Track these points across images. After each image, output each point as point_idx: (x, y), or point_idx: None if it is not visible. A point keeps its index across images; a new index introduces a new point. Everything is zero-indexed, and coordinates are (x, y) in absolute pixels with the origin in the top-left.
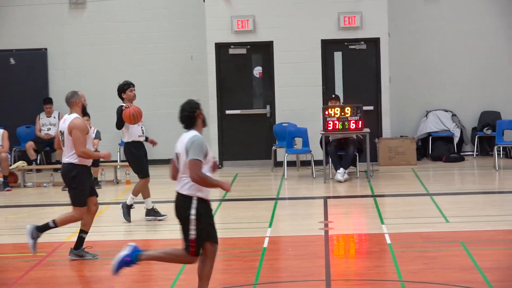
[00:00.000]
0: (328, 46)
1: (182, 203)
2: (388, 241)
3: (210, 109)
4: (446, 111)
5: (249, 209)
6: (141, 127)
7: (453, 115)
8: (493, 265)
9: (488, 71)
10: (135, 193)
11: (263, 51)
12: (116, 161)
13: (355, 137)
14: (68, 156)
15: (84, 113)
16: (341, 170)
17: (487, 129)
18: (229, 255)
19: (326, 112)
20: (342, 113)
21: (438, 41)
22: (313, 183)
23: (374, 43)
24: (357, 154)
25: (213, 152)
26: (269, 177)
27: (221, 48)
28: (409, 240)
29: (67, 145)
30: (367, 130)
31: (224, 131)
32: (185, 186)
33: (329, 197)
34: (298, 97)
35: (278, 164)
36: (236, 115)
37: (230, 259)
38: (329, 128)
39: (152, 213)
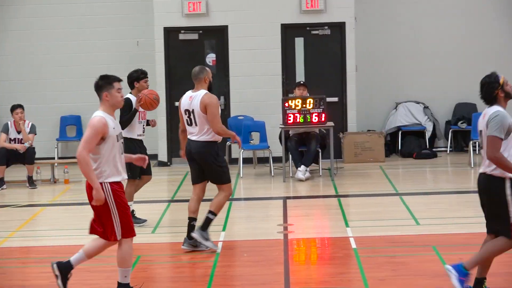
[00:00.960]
0: (289, 31)
1: (491, 184)
2: (354, 245)
3: None
4: (418, 103)
5: (201, 211)
6: (143, 125)
7: (425, 107)
8: None
9: (463, 60)
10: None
11: (217, 37)
12: (54, 158)
13: (317, 132)
14: (203, 134)
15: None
16: (302, 167)
17: (462, 123)
18: (180, 261)
19: (286, 104)
20: (304, 105)
21: (410, 26)
22: (271, 182)
23: (339, 28)
24: (319, 150)
25: (161, 149)
26: None
27: (170, 33)
28: (376, 244)
29: (200, 122)
30: (331, 123)
31: (174, 125)
32: (491, 167)
33: (289, 198)
34: (255, 87)
35: (233, 161)
36: None
37: (180, 266)
38: (289, 122)
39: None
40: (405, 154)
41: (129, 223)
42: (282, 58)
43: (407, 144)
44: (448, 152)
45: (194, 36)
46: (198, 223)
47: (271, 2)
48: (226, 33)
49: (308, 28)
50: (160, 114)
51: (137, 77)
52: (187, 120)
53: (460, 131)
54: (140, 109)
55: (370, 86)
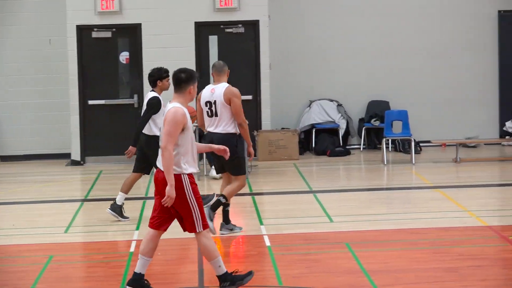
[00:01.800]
0: (203, 29)
1: None
2: (268, 243)
3: (71, 99)
4: (331, 100)
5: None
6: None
7: (339, 105)
8: (381, 268)
9: (376, 58)
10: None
11: (130, 35)
12: None
13: None
14: (224, 126)
15: None
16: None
17: (375, 120)
18: (92, 261)
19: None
20: None
21: (323, 24)
22: None
23: (252, 26)
24: None
25: (74, 147)
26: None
27: (83, 31)
28: (290, 242)
29: (221, 114)
30: None
31: (87, 124)
32: None
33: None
34: (169, 85)
35: None
36: (100, 105)
37: (93, 265)
38: None
39: (118, 210)
40: (319, 151)
41: (204, 214)
42: (196, 56)
43: (321, 141)
44: (361, 149)
45: (107, 34)
46: None
47: (184, 0)
48: (140, 31)
49: (222, 26)
50: (73, 112)
51: (160, 75)
52: (207, 111)
53: (373, 129)
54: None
55: (284, 84)
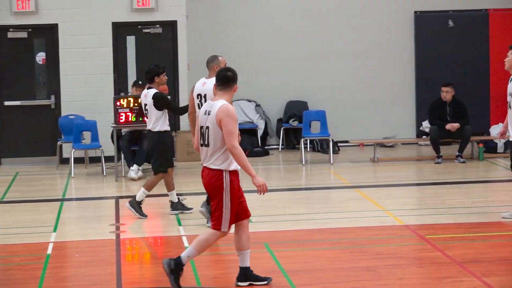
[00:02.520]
0: (120, 30)
1: None
2: (186, 244)
3: None
4: (250, 101)
5: (31, 212)
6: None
7: (257, 105)
8: (300, 268)
9: (295, 59)
10: (148, 188)
11: (47, 35)
12: None
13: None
14: None
15: None
16: (135, 167)
17: (293, 121)
18: (9, 264)
19: (118, 103)
20: (136, 104)
21: (241, 25)
22: (103, 182)
23: (170, 26)
24: None
25: None
26: (54, 175)
27: None
28: None
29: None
30: None
31: (2, 125)
32: None
33: (122, 197)
34: (87, 86)
35: (64, 161)
36: (16, 106)
37: (9, 268)
38: (121, 121)
39: (179, 206)
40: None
41: (243, 208)
42: (114, 57)
43: (240, 142)
44: (280, 149)
45: (23, 35)
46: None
47: (102, 0)
48: (56, 32)
49: (139, 27)
50: None
51: (157, 71)
52: (198, 104)
53: (291, 129)
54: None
55: None
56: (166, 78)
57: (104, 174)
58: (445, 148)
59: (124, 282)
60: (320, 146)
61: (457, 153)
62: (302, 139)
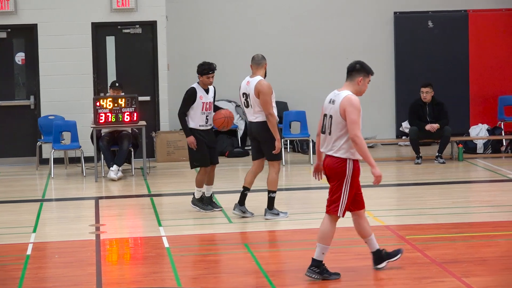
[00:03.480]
0: (100, 30)
1: None
2: (166, 244)
3: None
4: (230, 101)
5: (10, 212)
6: (206, 116)
7: (237, 105)
8: (279, 268)
9: (276, 59)
10: (199, 184)
11: (26, 35)
12: None
13: (130, 131)
14: (258, 116)
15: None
16: (115, 167)
17: None
18: None
19: (98, 103)
20: (116, 105)
21: (221, 25)
22: (83, 182)
23: (150, 27)
24: (132, 149)
25: None
26: (34, 176)
27: None
28: (189, 243)
29: (253, 105)
30: (143, 123)
31: None
32: None
33: (101, 198)
34: (66, 86)
35: (44, 161)
36: None
37: None
38: (100, 121)
39: (208, 200)
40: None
41: (361, 199)
42: (93, 57)
43: (220, 142)
44: None
45: (2, 35)
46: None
47: (81, 1)
48: (36, 32)
49: (119, 27)
50: None
51: (201, 71)
52: (244, 102)
53: None
54: (204, 100)
55: (182, 85)
56: (211, 80)
57: (84, 174)
58: (424, 148)
59: (104, 282)
60: (300, 146)
61: (437, 154)
62: (282, 140)
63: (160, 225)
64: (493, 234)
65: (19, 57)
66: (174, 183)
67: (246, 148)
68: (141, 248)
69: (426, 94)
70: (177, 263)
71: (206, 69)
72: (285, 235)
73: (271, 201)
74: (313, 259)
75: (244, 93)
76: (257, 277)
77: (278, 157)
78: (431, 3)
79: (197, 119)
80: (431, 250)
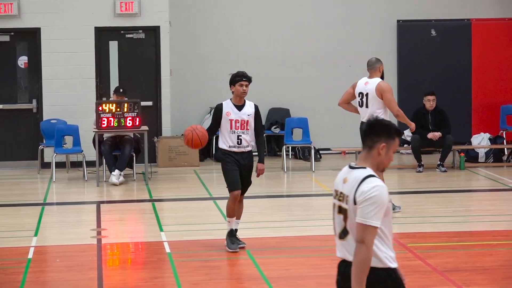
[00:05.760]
0: (103, 35)
1: None
2: (168, 249)
3: None
4: None
5: (12, 216)
6: (238, 136)
7: None
8: (281, 275)
9: (277, 65)
10: (227, 213)
11: (29, 39)
12: None
13: (132, 136)
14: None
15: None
16: (116, 172)
17: (275, 128)
18: None
19: (100, 108)
20: (118, 109)
21: (224, 31)
22: (84, 187)
23: (153, 32)
24: (134, 154)
25: None
26: (35, 180)
27: None
28: (190, 248)
29: (371, 105)
30: (145, 128)
31: None
32: None
33: (103, 202)
34: (69, 90)
35: (46, 165)
36: None
37: None
38: (103, 126)
39: (234, 236)
40: (218, 158)
41: None
42: (96, 62)
43: None
44: None
45: (5, 38)
46: None
47: (84, 5)
48: (39, 36)
49: (122, 32)
50: None
51: (231, 79)
52: (359, 102)
53: (273, 136)
54: (232, 117)
55: (185, 91)
56: (243, 89)
57: (86, 179)
58: (426, 157)
59: (105, 287)
60: (302, 153)
61: (439, 162)
62: (284, 146)
63: (161, 230)
64: (494, 243)
65: (22, 61)
66: (176, 188)
67: None
68: (142, 253)
69: (433, 102)
70: (179, 268)
71: (239, 76)
72: (287, 242)
73: None
74: None
75: (360, 93)
76: (259, 283)
77: None
78: (434, 11)
79: (224, 138)
80: (433, 258)
